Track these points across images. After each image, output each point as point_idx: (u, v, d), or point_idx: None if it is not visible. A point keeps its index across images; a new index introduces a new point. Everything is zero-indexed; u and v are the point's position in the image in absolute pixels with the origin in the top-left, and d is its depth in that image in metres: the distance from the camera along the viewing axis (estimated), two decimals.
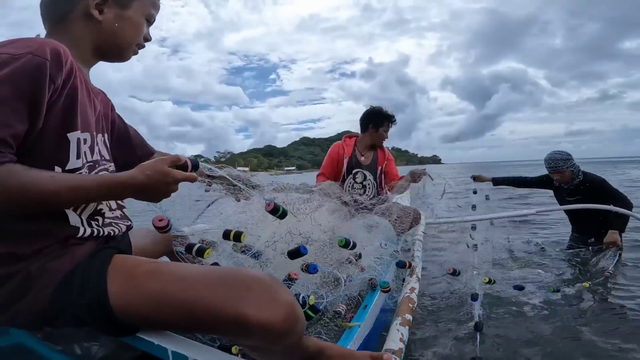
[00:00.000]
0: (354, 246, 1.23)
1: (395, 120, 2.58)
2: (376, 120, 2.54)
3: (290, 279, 1.01)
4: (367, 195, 2.55)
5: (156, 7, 0.90)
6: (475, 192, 2.95)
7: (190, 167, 0.75)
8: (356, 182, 2.57)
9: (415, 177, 2.27)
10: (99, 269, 0.64)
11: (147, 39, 0.90)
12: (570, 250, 2.77)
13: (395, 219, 1.99)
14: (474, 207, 2.94)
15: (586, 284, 2.00)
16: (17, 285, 0.61)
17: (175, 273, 0.64)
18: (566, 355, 1.44)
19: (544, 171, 2.83)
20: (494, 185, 3.20)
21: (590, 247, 2.59)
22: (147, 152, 1.09)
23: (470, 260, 1.99)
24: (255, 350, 0.65)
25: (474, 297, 1.49)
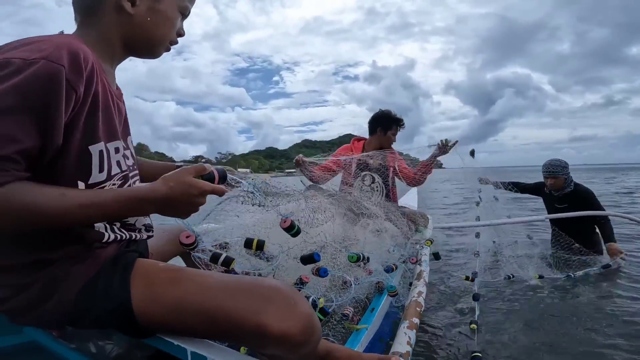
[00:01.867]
0: (365, 258, 1.25)
1: (403, 124, 2.58)
2: (385, 123, 2.55)
3: (301, 282, 1.03)
4: (375, 196, 2.55)
5: None
6: (480, 191, 2.96)
7: (217, 178, 0.69)
8: (365, 185, 2.57)
9: (445, 149, 2.28)
10: (123, 275, 0.65)
11: (180, 34, 0.83)
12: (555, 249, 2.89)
13: (404, 222, 2.00)
14: (477, 218, 2.94)
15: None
16: (41, 288, 0.62)
17: (197, 281, 0.64)
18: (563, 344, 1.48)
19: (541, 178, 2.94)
20: (495, 188, 3.21)
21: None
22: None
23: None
24: (270, 357, 0.67)
25: (476, 297, 1.52)
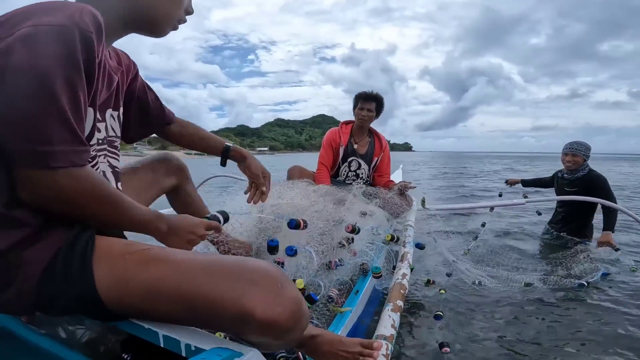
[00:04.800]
0: (351, 238, 1.25)
1: (368, 97, 2.48)
2: (353, 102, 2.54)
3: (277, 264, 1.02)
4: (359, 182, 2.55)
5: None
6: (500, 195, 3.34)
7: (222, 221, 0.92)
8: (350, 170, 2.55)
9: (402, 191, 2.27)
10: (83, 257, 0.58)
11: (189, 12, 0.79)
12: (547, 235, 3.04)
13: (388, 204, 2.00)
14: (483, 224, 3.11)
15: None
16: None
17: (171, 262, 0.58)
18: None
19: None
20: (524, 186, 3.40)
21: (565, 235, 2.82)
22: (162, 123, 1.06)
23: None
24: (251, 342, 0.63)
25: (437, 317, 1.52)
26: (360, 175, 2.56)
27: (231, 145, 1.15)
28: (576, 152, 2.75)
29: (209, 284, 0.55)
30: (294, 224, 1.18)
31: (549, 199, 2.79)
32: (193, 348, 0.53)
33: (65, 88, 0.52)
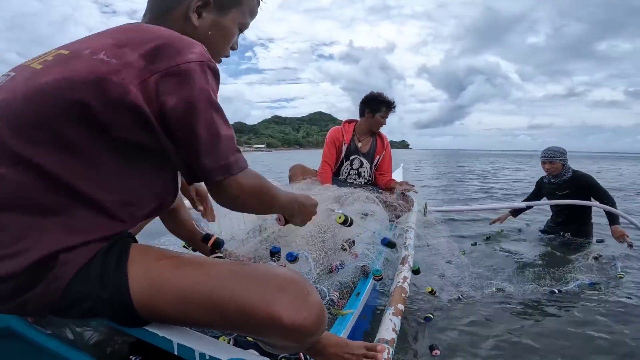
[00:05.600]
0: (351, 223, 1.26)
1: (394, 107, 2.52)
2: (373, 105, 2.49)
3: None
4: (361, 180, 2.56)
5: (254, 14, 0.84)
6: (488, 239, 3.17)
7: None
8: (352, 169, 2.56)
9: (403, 193, 2.32)
10: (118, 263, 0.59)
11: (234, 48, 0.85)
12: (548, 235, 3.08)
13: (389, 206, 2.01)
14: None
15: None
16: (28, 277, 0.56)
17: (204, 268, 0.61)
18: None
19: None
20: (515, 217, 3.36)
21: (565, 235, 2.91)
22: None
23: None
24: (268, 344, 0.65)
25: (427, 319, 1.55)
26: (362, 174, 2.57)
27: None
28: (552, 159, 2.84)
29: (239, 290, 0.57)
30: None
31: (549, 202, 2.82)
32: (207, 357, 0.54)
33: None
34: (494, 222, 3.35)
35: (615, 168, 15.45)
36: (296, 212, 0.92)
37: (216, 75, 0.64)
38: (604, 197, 2.69)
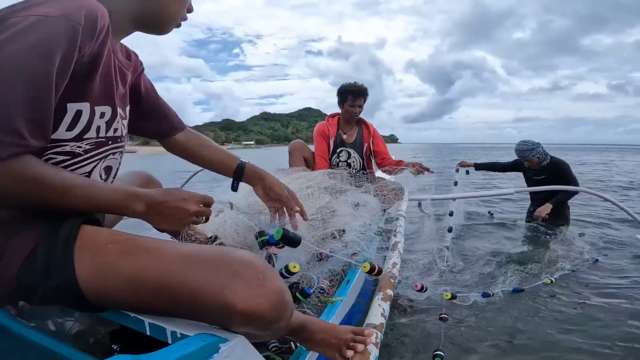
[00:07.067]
0: (379, 272, 1.19)
1: (363, 94, 2.50)
2: (341, 96, 2.54)
3: (269, 257, 1.02)
4: (352, 171, 2.56)
5: None
6: (456, 184, 3.39)
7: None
8: (341, 161, 2.57)
9: (418, 171, 2.49)
10: (64, 247, 0.56)
11: (190, 10, 0.82)
12: (530, 224, 3.24)
13: (381, 195, 2.01)
14: (455, 183, 3.38)
15: (547, 281, 1.99)
16: None
17: (154, 253, 0.57)
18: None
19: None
20: (476, 169, 3.59)
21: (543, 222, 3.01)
22: (170, 127, 1.03)
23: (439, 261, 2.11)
24: (243, 334, 0.63)
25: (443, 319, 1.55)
26: (352, 165, 2.57)
27: (247, 163, 1.07)
28: (527, 157, 2.97)
29: (190, 276, 0.54)
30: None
31: (535, 189, 2.87)
32: (179, 335, 0.53)
33: (25, 78, 0.51)
34: (460, 166, 3.58)
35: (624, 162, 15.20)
36: (142, 215, 0.69)
37: (47, 31, 0.52)
38: (573, 182, 2.86)
